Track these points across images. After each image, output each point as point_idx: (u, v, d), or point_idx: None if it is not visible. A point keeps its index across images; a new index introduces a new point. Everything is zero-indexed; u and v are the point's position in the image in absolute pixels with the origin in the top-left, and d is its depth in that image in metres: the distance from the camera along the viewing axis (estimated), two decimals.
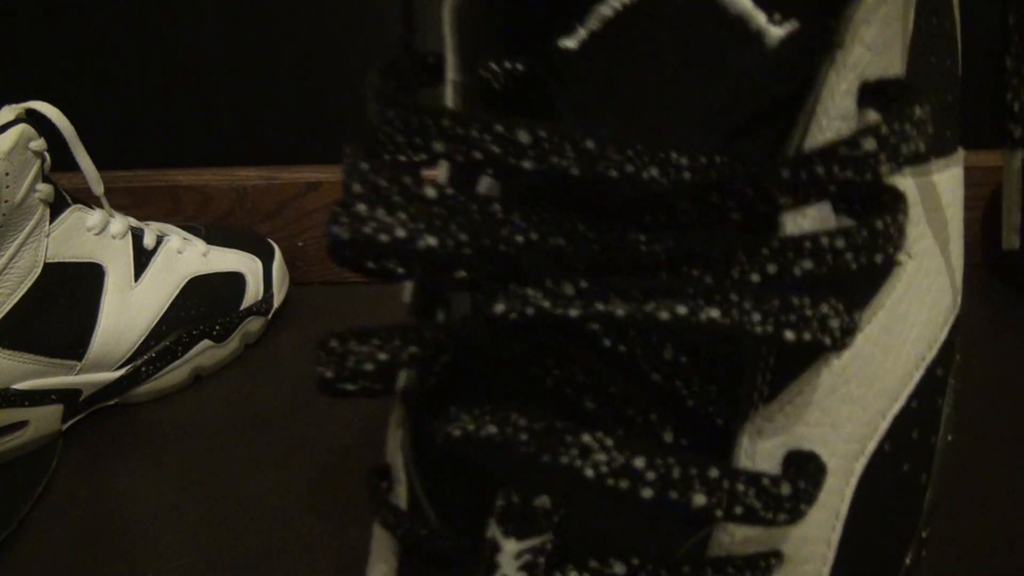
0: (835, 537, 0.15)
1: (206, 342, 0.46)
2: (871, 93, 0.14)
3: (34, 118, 0.39)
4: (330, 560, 0.33)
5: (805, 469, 0.14)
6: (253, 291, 0.49)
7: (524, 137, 0.14)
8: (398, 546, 0.16)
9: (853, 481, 0.15)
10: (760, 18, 0.14)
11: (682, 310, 0.13)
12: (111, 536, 0.35)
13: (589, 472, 0.13)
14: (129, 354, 0.43)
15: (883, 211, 0.14)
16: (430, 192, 0.14)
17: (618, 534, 0.15)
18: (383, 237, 0.14)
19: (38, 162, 0.39)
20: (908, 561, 0.18)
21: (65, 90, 0.54)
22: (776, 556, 0.14)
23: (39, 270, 0.39)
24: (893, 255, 0.14)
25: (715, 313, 0.13)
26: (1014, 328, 0.49)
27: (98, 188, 0.43)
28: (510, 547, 0.14)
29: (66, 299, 0.41)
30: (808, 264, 0.13)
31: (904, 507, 0.17)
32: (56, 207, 0.40)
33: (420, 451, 0.17)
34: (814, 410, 0.15)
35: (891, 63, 0.15)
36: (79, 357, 0.41)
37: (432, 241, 0.14)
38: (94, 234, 0.42)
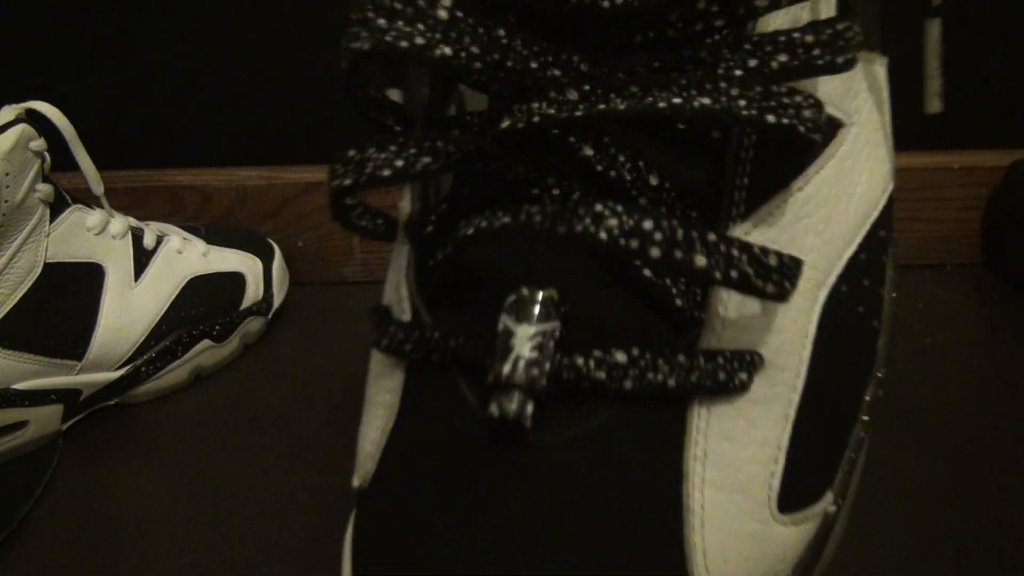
0: (806, 354, 0.17)
1: (206, 342, 0.46)
2: None
3: (34, 118, 0.40)
4: (330, 560, 0.33)
5: (791, 260, 0.15)
6: (253, 291, 0.49)
7: (522, 43, 0.15)
8: (402, 369, 0.17)
9: (817, 307, 0.17)
10: None
11: (677, 100, 0.14)
12: (111, 536, 0.35)
13: (603, 235, 0.14)
14: (129, 354, 0.43)
15: (844, 17, 0.15)
16: (442, 13, 0.15)
17: (618, 329, 0.16)
18: (403, 44, 0.14)
19: (38, 162, 0.39)
20: (868, 397, 0.19)
21: (65, 90, 0.54)
22: (759, 357, 0.16)
23: (39, 270, 0.39)
24: (850, 63, 0.15)
25: (707, 101, 0.14)
26: (1014, 328, 0.49)
27: (98, 188, 0.43)
28: (523, 331, 0.15)
29: (66, 299, 0.41)
30: (783, 57, 0.15)
31: (860, 343, 0.19)
32: (56, 207, 0.40)
33: (421, 283, 0.18)
34: (783, 233, 0.17)
35: None
36: (79, 357, 0.41)
37: (447, 50, 0.14)
38: (94, 234, 0.42)
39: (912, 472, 0.37)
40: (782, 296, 0.15)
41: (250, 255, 0.50)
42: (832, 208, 0.18)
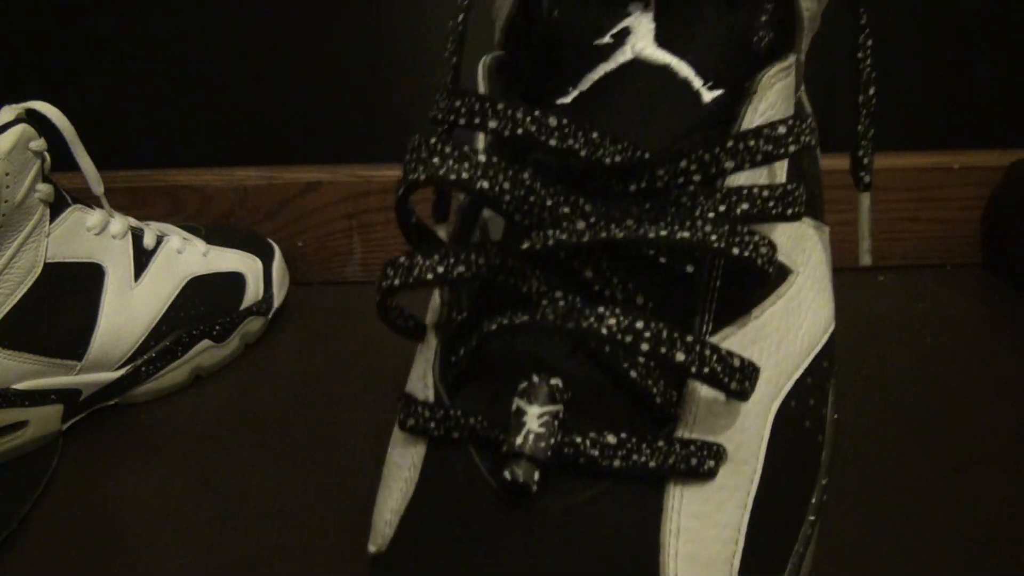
0: (762, 453, 0.20)
1: (206, 342, 0.46)
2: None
3: (34, 118, 0.39)
4: (330, 560, 0.33)
5: (751, 365, 0.19)
6: (253, 291, 0.49)
7: (553, 121, 0.19)
8: (424, 444, 0.20)
9: (771, 415, 0.20)
10: (698, 83, 0.20)
11: (664, 232, 0.18)
12: (111, 536, 0.35)
13: (604, 331, 0.17)
14: (129, 354, 0.43)
15: (793, 180, 0.19)
16: (481, 157, 0.19)
17: (610, 416, 0.19)
18: (452, 176, 0.19)
19: (38, 162, 0.39)
20: (814, 501, 0.22)
21: (65, 90, 0.54)
22: (724, 449, 0.19)
23: (39, 270, 0.39)
24: (798, 214, 0.19)
25: (686, 234, 0.18)
26: (1014, 328, 0.49)
27: (98, 188, 0.43)
28: (533, 410, 0.18)
29: (66, 299, 0.41)
30: (745, 205, 0.19)
31: (807, 452, 0.22)
32: (56, 207, 0.40)
33: (444, 372, 0.21)
34: (743, 351, 0.20)
35: (787, 111, 0.22)
36: (79, 357, 0.41)
37: (485, 184, 0.19)
38: (94, 234, 0.42)
39: (912, 472, 0.37)
40: (744, 394, 0.18)
41: (250, 255, 0.50)
42: (782, 336, 0.21)
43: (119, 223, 0.44)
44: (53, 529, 0.35)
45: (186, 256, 0.47)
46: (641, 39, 0.20)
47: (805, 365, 0.22)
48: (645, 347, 0.17)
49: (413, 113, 0.57)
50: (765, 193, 0.19)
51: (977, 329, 0.49)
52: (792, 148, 0.19)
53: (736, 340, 0.20)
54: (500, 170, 0.19)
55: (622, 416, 0.19)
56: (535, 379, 0.19)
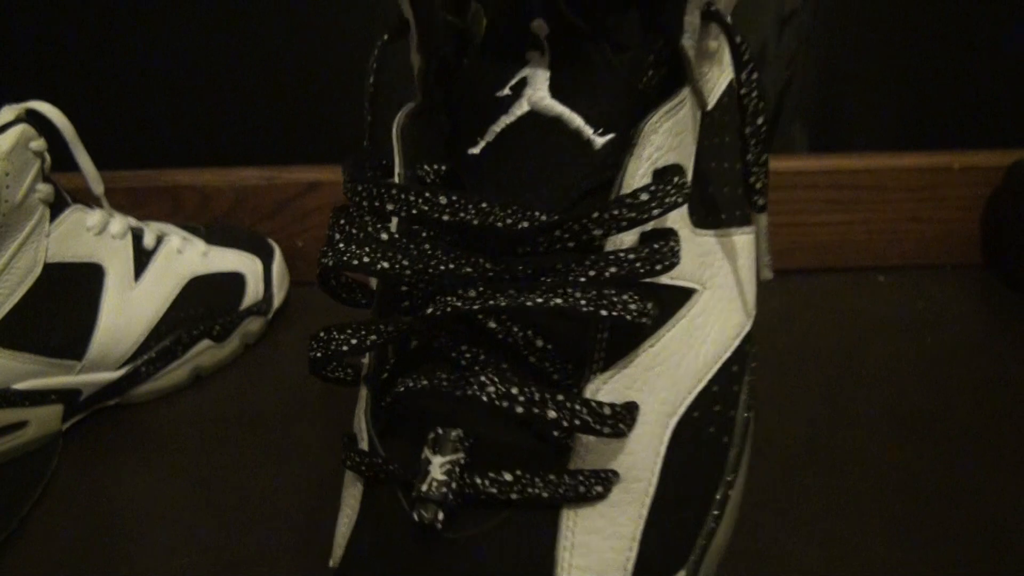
0: (657, 468, 0.23)
1: (206, 342, 0.46)
2: (660, 173, 0.22)
3: (34, 118, 0.39)
4: (329, 560, 0.33)
5: (624, 408, 0.22)
6: (253, 291, 0.49)
7: (443, 199, 0.21)
8: (362, 482, 0.23)
9: (668, 432, 0.23)
10: (588, 131, 0.22)
11: (540, 300, 0.21)
12: (111, 536, 0.35)
13: (484, 398, 0.21)
14: (129, 354, 0.43)
15: (658, 239, 0.21)
16: (384, 236, 0.23)
17: (508, 455, 0.22)
18: (355, 262, 0.22)
19: (38, 162, 0.39)
20: (719, 496, 0.24)
21: (65, 90, 0.54)
22: (614, 474, 0.22)
23: (39, 270, 0.39)
24: (669, 267, 0.21)
25: (559, 301, 0.21)
26: (1014, 328, 0.49)
27: (98, 188, 0.43)
28: (437, 460, 0.21)
29: (66, 299, 0.41)
30: (613, 269, 0.21)
31: (711, 455, 0.24)
32: (56, 207, 0.40)
33: (375, 418, 0.24)
34: (637, 379, 0.22)
35: (681, 157, 0.23)
36: (79, 357, 0.41)
37: (385, 264, 0.22)
38: (94, 234, 0.42)
39: (912, 471, 0.37)
40: (619, 434, 0.21)
41: (250, 255, 0.50)
42: (683, 355, 0.23)
43: (119, 223, 0.44)
44: (53, 529, 0.35)
45: (186, 256, 0.47)
46: (537, 89, 0.22)
47: (711, 375, 0.24)
48: (520, 410, 0.20)
49: None
50: (632, 256, 0.21)
51: (977, 329, 0.49)
52: (656, 212, 0.21)
53: (627, 374, 0.22)
54: (399, 249, 0.22)
55: (521, 452, 0.22)
56: (439, 431, 0.22)
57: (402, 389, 0.22)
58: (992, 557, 0.32)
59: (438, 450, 0.21)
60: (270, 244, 0.53)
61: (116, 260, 0.43)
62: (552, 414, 0.20)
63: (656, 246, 0.21)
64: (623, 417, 0.21)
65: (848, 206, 0.56)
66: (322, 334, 0.24)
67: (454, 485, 0.21)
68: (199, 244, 0.48)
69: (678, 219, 0.23)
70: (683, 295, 0.24)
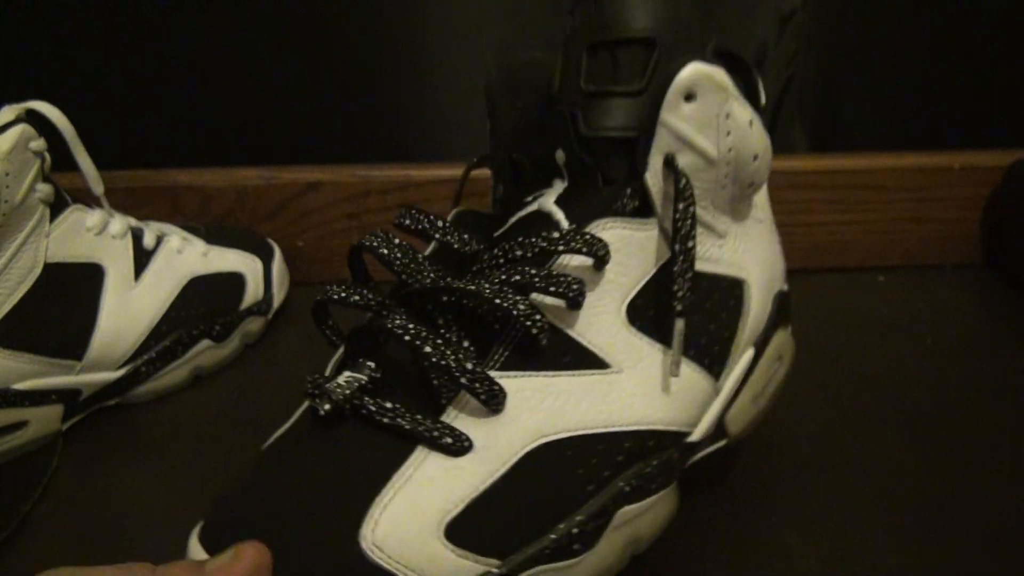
0: (511, 461, 0.26)
1: (206, 342, 0.46)
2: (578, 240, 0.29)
3: (34, 118, 0.40)
4: None
5: (501, 390, 0.27)
6: (253, 291, 0.49)
7: (440, 223, 0.31)
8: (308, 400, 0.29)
9: (534, 444, 0.27)
10: (561, 217, 0.29)
11: (459, 285, 0.27)
12: (111, 536, 0.35)
13: (389, 324, 0.27)
14: (129, 354, 0.43)
15: (572, 277, 0.27)
16: (396, 240, 0.30)
17: (397, 392, 0.27)
18: (380, 251, 0.30)
19: (38, 162, 0.39)
20: (564, 527, 0.27)
21: (65, 90, 0.54)
22: (469, 441, 0.26)
23: (39, 270, 0.39)
24: (562, 296, 0.27)
25: (472, 287, 0.27)
26: (1014, 328, 0.49)
27: (98, 188, 0.43)
28: (345, 374, 0.27)
29: (66, 299, 0.41)
30: (517, 277, 0.28)
31: (568, 490, 0.28)
32: (56, 207, 0.40)
33: (338, 362, 0.30)
34: (524, 391, 0.27)
35: (628, 263, 0.30)
36: (79, 357, 0.41)
37: (384, 251, 0.29)
38: (94, 234, 0.42)
39: (912, 471, 0.37)
40: (493, 409, 0.27)
41: (250, 255, 0.50)
42: (577, 401, 0.28)
43: (119, 223, 0.44)
44: (53, 529, 0.35)
45: (186, 256, 0.47)
46: (548, 198, 0.30)
47: (599, 432, 0.28)
48: (417, 343, 0.26)
49: (413, 113, 0.57)
50: (532, 271, 0.28)
51: (977, 329, 0.49)
52: (537, 251, 0.28)
53: (518, 383, 0.27)
54: (404, 251, 0.29)
55: (410, 394, 0.27)
56: (360, 360, 0.28)
57: (358, 327, 0.29)
58: (992, 557, 0.32)
59: (353, 369, 0.28)
60: (270, 244, 0.53)
61: (116, 260, 0.43)
62: (444, 361, 0.26)
63: (561, 277, 0.27)
64: (499, 395, 0.26)
65: (848, 206, 0.56)
66: (328, 287, 0.30)
67: (347, 392, 0.27)
68: (199, 244, 0.48)
69: (611, 306, 0.29)
70: (598, 363, 0.29)
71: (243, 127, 0.57)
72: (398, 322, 0.27)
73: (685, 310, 0.29)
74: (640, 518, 0.29)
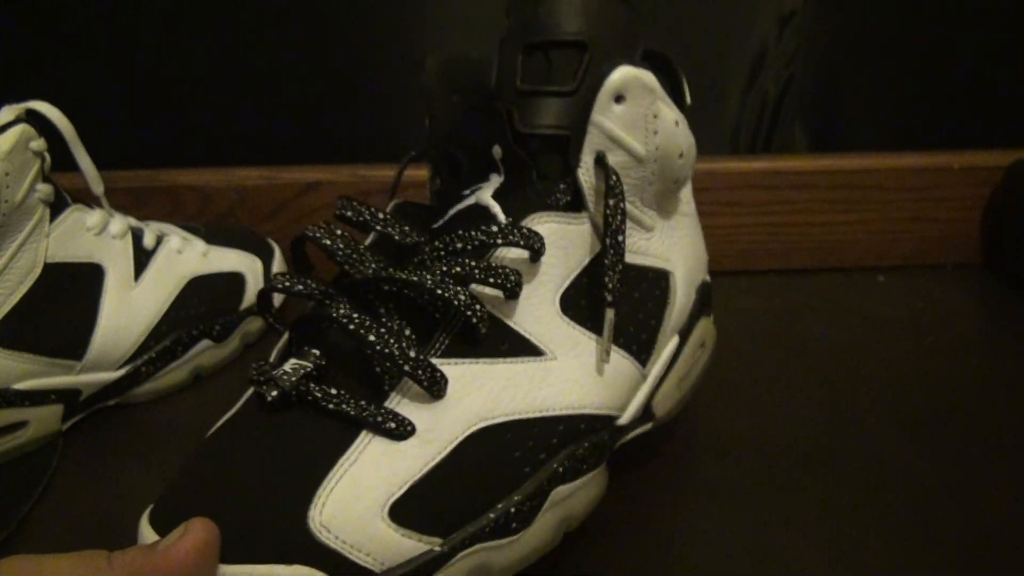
0: (451, 445, 0.27)
1: (206, 342, 0.46)
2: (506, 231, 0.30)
3: (34, 118, 0.39)
4: None
5: (443, 376, 0.28)
6: (253, 291, 0.49)
7: (381, 215, 0.31)
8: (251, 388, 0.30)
9: (472, 428, 0.28)
10: (497, 208, 0.30)
11: (403, 275, 0.28)
12: (111, 536, 0.35)
13: (333, 312, 0.28)
14: (129, 354, 0.43)
15: (510, 269, 0.29)
16: (338, 231, 0.31)
17: (342, 379, 0.28)
18: (323, 241, 0.31)
19: (38, 162, 0.39)
20: (503, 506, 0.28)
21: (65, 90, 0.54)
22: (412, 426, 0.27)
23: (39, 270, 0.39)
24: (497, 285, 0.29)
25: (414, 278, 0.28)
26: (1014, 328, 0.49)
27: (98, 188, 0.43)
28: (291, 361, 0.28)
29: (66, 299, 0.41)
30: (457, 269, 0.29)
31: (507, 471, 0.29)
32: (56, 207, 0.40)
33: (281, 350, 0.31)
34: (464, 376, 0.28)
35: (558, 255, 0.31)
36: (79, 357, 0.41)
37: (327, 243, 0.31)
38: (94, 234, 0.42)
39: (912, 471, 0.37)
40: (435, 395, 0.28)
41: (250, 255, 0.50)
42: (515, 388, 0.29)
43: (119, 223, 0.44)
44: (53, 529, 0.35)
45: (186, 256, 0.47)
46: (485, 192, 0.31)
47: (535, 416, 0.29)
48: (361, 332, 0.27)
49: (413, 113, 0.57)
50: (472, 263, 0.29)
51: (977, 329, 0.49)
52: (477, 243, 0.29)
53: (460, 370, 0.28)
54: (346, 242, 0.30)
55: (354, 381, 0.28)
56: (305, 348, 0.29)
57: (299, 317, 0.30)
58: (992, 557, 0.32)
59: (299, 357, 0.28)
60: (270, 244, 0.53)
61: (116, 260, 0.43)
62: (387, 349, 0.27)
63: (500, 269, 0.29)
64: (440, 382, 0.27)
65: (848, 206, 0.56)
66: (276, 276, 0.31)
67: (294, 379, 0.27)
68: (199, 244, 0.48)
69: (546, 296, 0.30)
70: (534, 350, 0.30)
71: (243, 127, 0.57)
72: (342, 311, 0.28)
73: (615, 301, 0.30)
74: (573, 497, 0.30)
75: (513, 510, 0.28)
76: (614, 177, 0.30)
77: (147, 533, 0.26)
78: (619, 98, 0.30)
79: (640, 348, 0.33)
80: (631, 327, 0.33)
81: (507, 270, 0.29)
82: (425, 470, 0.27)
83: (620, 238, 0.30)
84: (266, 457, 0.27)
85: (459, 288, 0.28)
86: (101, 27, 0.54)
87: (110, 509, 0.36)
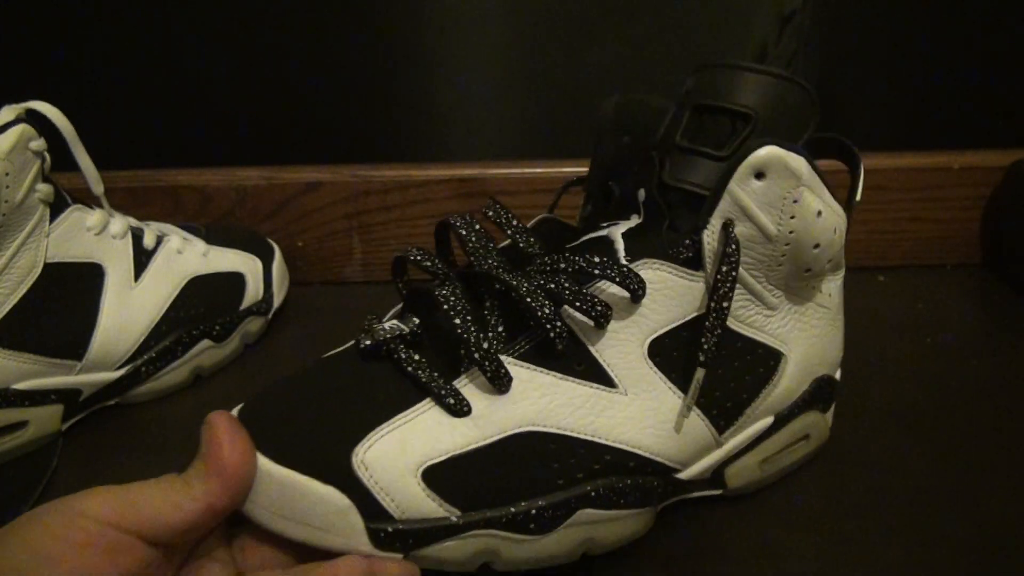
0: (493, 438, 0.29)
1: (206, 342, 0.46)
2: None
3: (34, 118, 0.40)
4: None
5: (508, 377, 0.30)
6: (253, 291, 0.49)
7: (516, 223, 0.34)
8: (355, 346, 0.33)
9: (509, 432, 0.30)
10: (620, 245, 0.32)
11: (505, 278, 0.31)
12: None
13: (438, 292, 0.31)
14: (129, 354, 0.43)
15: (601, 302, 0.30)
16: (478, 227, 0.34)
17: (426, 351, 0.31)
18: (461, 231, 0.33)
19: (38, 162, 0.39)
20: (524, 505, 0.30)
21: (65, 90, 0.54)
22: (468, 408, 0.30)
23: (39, 270, 0.39)
24: (582, 309, 0.30)
25: (514, 283, 0.30)
26: (1014, 328, 0.49)
27: (98, 188, 0.43)
28: (393, 321, 0.32)
29: (66, 299, 0.41)
30: (551, 286, 0.31)
31: (547, 470, 0.30)
32: (56, 207, 0.40)
33: (398, 312, 0.34)
34: (522, 383, 0.30)
35: (662, 304, 0.32)
36: (79, 357, 0.41)
37: (462, 232, 0.33)
38: (94, 234, 0.42)
39: (912, 471, 0.37)
40: (497, 388, 0.30)
41: (250, 255, 0.50)
42: (570, 407, 0.31)
43: (119, 223, 0.44)
44: None
45: (186, 256, 0.47)
46: (618, 228, 0.33)
47: (584, 438, 0.30)
48: (451, 314, 0.30)
49: (413, 113, 0.57)
50: (567, 284, 0.30)
51: (977, 329, 0.49)
52: (576, 268, 0.31)
53: (531, 374, 0.30)
54: (479, 236, 0.33)
55: (437, 355, 0.31)
56: (407, 315, 0.32)
57: (410, 288, 0.34)
58: (992, 557, 0.32)
59: (400, 321, 0.32)
60: (270, 244, 0.53)
61: (116, 260, 0.43)
62: (465, 335, 0.30)
63: (590, 297, 0.30)
64: (503, 378, 0.30)
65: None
66: (409, 248, 0.34)
67: (387, 336, 0.31)
68: (199, 244, 0.48)
69: (635, 336, 0.31)
70: (607, 380, 0.31)
71: (243, 127, 0.57)
72: (445, 292, 0.31)
73: (707, 362, 0.31)
74: (601, 524, 0.31)
75: (534, 512, 0.29)
76: (733, 246, 0.31)
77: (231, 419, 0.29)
78: (759, 174, 0.30)
79: (721, 415, 0.33)
80: (718, 392, 0.33)
81: (596, 300, 0.30)
82: (467, 449, 0.29)
83: (725, 304, 0.31)
84: (338, 392, 0.30)
85: (546, 302, 0.30)
86: (101, 27, 0.54)
87: None
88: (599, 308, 0.30)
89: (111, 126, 0.56)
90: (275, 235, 0.55)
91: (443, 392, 0.30)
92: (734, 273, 0.31)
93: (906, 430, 0.40)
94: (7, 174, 0.37)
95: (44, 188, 0.40)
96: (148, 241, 0.45)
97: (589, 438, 0.31)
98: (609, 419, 0.31)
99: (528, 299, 0.30)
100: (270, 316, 0.51)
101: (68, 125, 0.41)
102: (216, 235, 0.50)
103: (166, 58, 0.55)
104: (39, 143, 0.39)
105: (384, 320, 0.33)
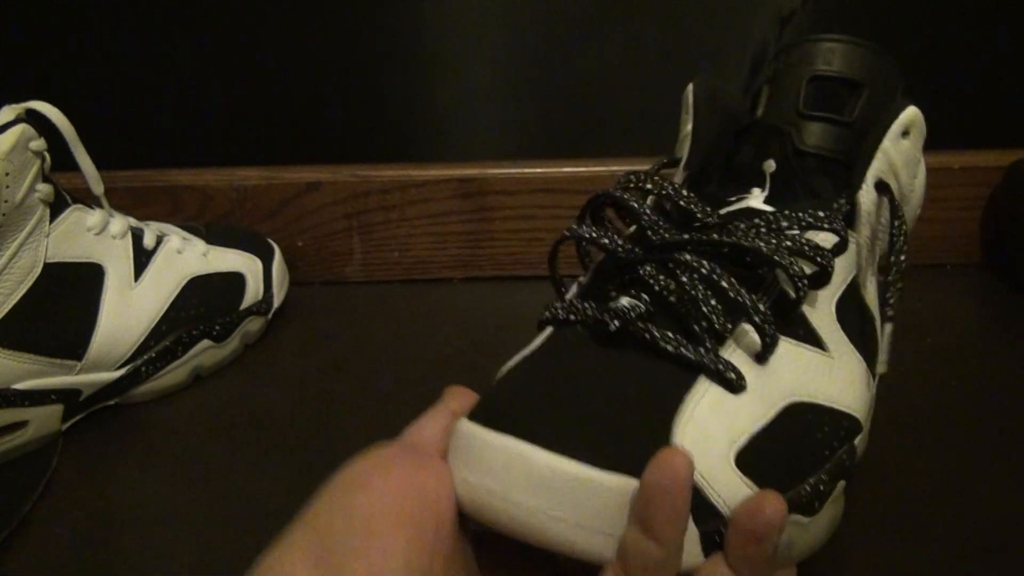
0: (781, 405, 0.27)
1: (206, 342, 0.46)
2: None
3: (34, 118, 0.39)
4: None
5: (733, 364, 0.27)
6: (253, 291, 0.49)
7: (684, 191, 0.32)
8: (552, 327, 0.29)
9: (780, 404, 0.28)
10: (769, 216, 0.31)
11: (728, 239, 0.29)
12: (111, 536, 0.35)
13: (687, 255, 0.28)
14: (129, 354, 0.43)
15: (816, 254, 0.29)
16: (646, 199, 0.34)
17: (672, 325, 0.28)
18: (631, 204, 0.31)
19: (38, 162, 0.39)
20: (813, 482, 0.28)
21: (65, 90, 0.54)
22: (743, 378, 0.27)
23: (39, 270, 0.39)
24: (826, 264, 0.29)
25: (767, 251, 0.29)
26: (1014, 328, 0.49)
27: (98, 188, 0.43)
28: (625, 299, 0.28)
29: (66, 299, 0.41)
30: (788, 239, 0.30)
31: (831, 434, 0.29)
32: (56, 207, 0.40)
33: (584, 289, 0.32)
34: (781, 352, 0.28)
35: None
36: (79, 357, 0.41)
37: (634, 206, 0.31)
38: (94, 234, 0.42)
39: (912, 470, 0.37)
40: (765, 354, 0.28)
41: (250, 255, 0.50)
42: (817, 373, 0.29)
43: (119, 223, 0.44)
44: (53, 529, 0.35)
45: (186, 256, 0.47)
46: (753, 201, 0.33)
47: (827, 405, 0.29)
48: (713, 278, 0.28)
49: (413, 113, 0.57)
50: (804, 240, 0.29)
51: (977, 329, 0.49)
52: (804, 224, 0.30)
53: (739, 349, 0.28)
54: (648, 207, 0.31)
55: (685, 328, 0.28)
56: (633, 291, 0.29)
57: (598, 264, 0.31)
58: (992, 556, 0.32)
59: (626, 294, 0.29)
60: (270, 244, 0.53)
61: (116, 260, 0.43)
62: (740, 297, 0.27)
63: (820, 249, 0.29)
64: (773, 344, 0.28)
65: None
66: (576, 227, 0.31)
67: (633, 314, 0.27)
68: (199, 244, 0.48)
69: (827, 299, 0.31)
70: (821, 344, 0.30)
71: (243, 127, 0.57)
72: (687, 259, 0.28)
73: (894, 316, 0.32)
74: (841, 498, 0.29)
75: (821, 488, 0.27)
76: (897, 200, 0.32)
77: (470, 428, 0.25)
78: (905, 133, 0.33)
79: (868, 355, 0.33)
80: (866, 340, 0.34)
81: (827, 252, 0.29)
82: (756, 427, 0.26)
83: (903, 257, 0.32)
84: (617, 380, 0.26)
85: (794, 259, 0.28)
86: (101, 27, 0.54)
87: (110, 509, 0.36)
88: (827, 258, 0.29)
89: (111, 126, 0.57)
90: (275, 235, 0.55)
91: (721, 366, 0.26)
92: (904, 226, 0.32)
93: (906, 430, 0.40)
94: (7, 174, 0.37)
95: (44, 188, 0.40)
96: (148, 241, 0.45)
97: (832, 405, 0.29)
98: (836, 384, 0.30)
99: (776, 256, 0.28)
100: (270, 316, 0.51)
101: (68, 125, 0.41)
102: (216, 235, 0.50)
103: (166, 58, 0.55)
104: (39, 143, 0.39)
105: (577, 303, 0.29)
